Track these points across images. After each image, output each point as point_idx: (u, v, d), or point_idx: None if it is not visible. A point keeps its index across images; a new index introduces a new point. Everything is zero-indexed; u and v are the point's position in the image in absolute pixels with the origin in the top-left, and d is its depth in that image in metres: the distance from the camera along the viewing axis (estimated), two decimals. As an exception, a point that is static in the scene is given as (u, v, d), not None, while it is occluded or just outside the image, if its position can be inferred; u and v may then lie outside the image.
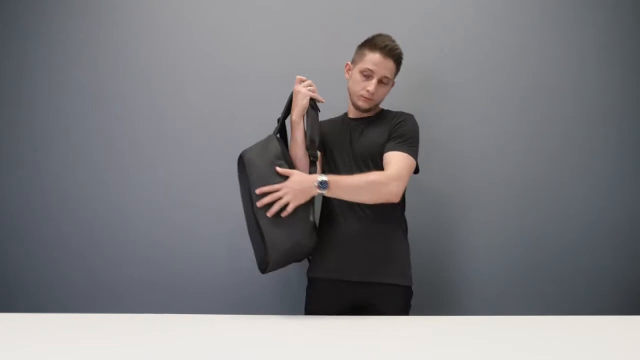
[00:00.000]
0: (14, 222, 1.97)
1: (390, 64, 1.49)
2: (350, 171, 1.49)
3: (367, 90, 1.48)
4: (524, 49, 1.90)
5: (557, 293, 1.85)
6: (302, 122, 1.48)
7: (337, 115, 1.68)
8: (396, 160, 1.43)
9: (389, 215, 1.50)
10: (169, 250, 1.93)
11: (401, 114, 1.57)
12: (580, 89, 1.89)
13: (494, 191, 1.88)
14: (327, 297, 1.52)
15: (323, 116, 1.67)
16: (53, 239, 1.95)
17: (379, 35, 1.51)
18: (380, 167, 1.48)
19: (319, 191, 1.35)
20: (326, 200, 1.57)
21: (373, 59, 1.47)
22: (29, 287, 1.95)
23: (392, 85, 1.58)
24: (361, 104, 1.52)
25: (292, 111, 1.49)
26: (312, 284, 1.58)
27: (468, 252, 1.88)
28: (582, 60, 1.89)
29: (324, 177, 1.35)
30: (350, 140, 1.56)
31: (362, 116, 1.59)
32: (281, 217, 1.33)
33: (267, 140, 1.45)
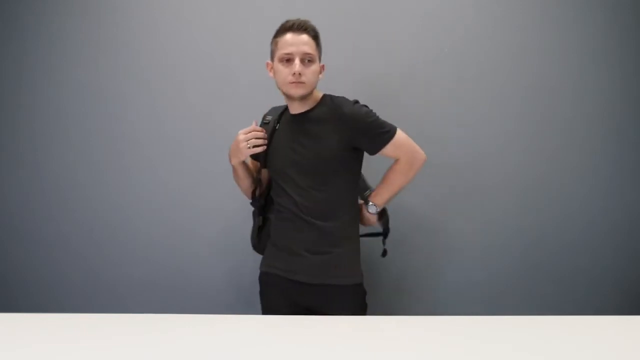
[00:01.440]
0: (14, 222, 1.97)
1: (305, 38, 1.40)
2: (294, 180, 1.45)
3: (293, 74, 1.38)
4: (524, 49, 1.90)
5: (557, 293, 1.85)
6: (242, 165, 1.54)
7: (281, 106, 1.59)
8: (398, 145, 1.45)
9: (337, 219, 1.45)
10: (169, 250, 1.93)
11: (348, 110, 1.44)
12: (580, 89, 1.89)
13: (494, 191, 1.88)
14: (276, 292, 1.51)
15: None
16: (53, 239, 1.95)
17: (286, 20, 1.45)
18: (326, 173, 1.44)
19: (372, 212, 1.51)
20: (278, 202, 1.53)
21: (286, 41, 1.40)
22: (29, 287, 1.95)
23: (323, 68, 1.48)
24: (294, 91, 1.41)
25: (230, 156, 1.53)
26: (262, 277, 1.56)
27: (468, 252, 1.88)
28: (582, 60, 1.89)
29: (371, 204, 1.51)
30: (292, 147, 1.46)
31: (303, 109, 1.47)
32: None
33: None
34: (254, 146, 1.46)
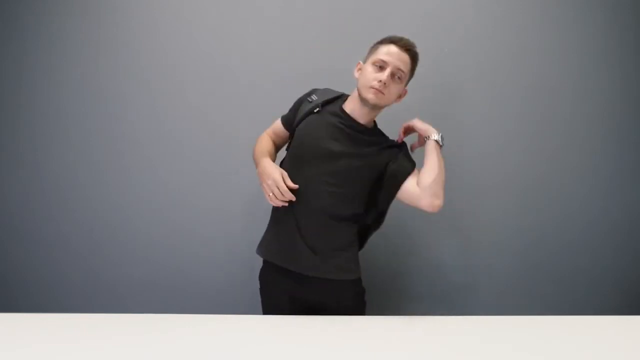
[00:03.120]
0: (14, 222, 1.97)
1: (405, 57, 1.40)
2: (311, 170, 1.43)
3: (379, 81, 1.38)
4: (524, 49, 1.90)
5: (557, 293, 1.85)
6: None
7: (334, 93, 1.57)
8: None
9: (340, 216, 1.45)
10: (169, 250, 1.93)
11: (401, 151, 1.49)
12: (580, 89, 1.89)
13: (494, 191, 1.88)
14: (272, 279, 1.51)
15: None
16: (53, 239, 1.95)
17: (396, 35, 1.46)
18: (346, 181, 1.43)
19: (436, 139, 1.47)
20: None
21: (387, 50, 1.40)
22: (29, 287, 1.95)
23: (405, 92, 1.49)
24: (371, 96, 1.40)
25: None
26: (261, 271, 1.57)
27: (468, 253, 1.88)
28: (582, 60, 1.89)
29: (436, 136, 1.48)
30: (327, 140, 1.45)
31: (356, 120, 1.47)
32: None
33: None
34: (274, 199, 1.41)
